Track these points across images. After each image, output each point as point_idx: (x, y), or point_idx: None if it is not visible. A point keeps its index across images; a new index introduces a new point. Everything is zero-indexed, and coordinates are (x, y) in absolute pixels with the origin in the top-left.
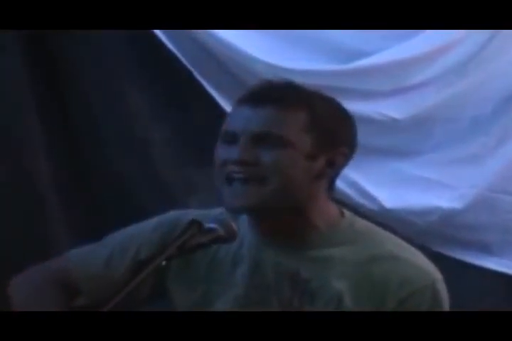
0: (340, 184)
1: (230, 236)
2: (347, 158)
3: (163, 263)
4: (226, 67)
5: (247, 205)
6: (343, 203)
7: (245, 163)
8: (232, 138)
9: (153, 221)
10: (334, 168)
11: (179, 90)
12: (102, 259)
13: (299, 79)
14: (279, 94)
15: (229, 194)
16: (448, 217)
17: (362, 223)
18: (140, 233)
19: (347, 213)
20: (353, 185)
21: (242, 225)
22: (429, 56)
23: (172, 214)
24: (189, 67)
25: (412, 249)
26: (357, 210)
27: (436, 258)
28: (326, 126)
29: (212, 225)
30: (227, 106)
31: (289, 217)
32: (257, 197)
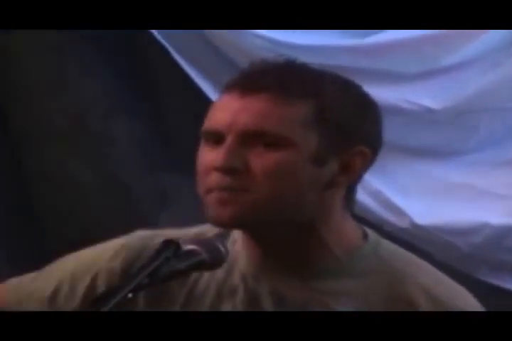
0: (359, 194)
1: (215, 262)
2: (367, 160)
3: (129, 295)
4: (211, 42)
5: (232, 217)
6: (363, 219)
7: (232, 169)
8: (216, 138)
9: (113, 243)
10: (350, 174)
11: (149, 74)
12: (45, 293)
13: (305, 58)
14: (276, 78)
15: (211, 202)
16: (498, 237)
17: (389, 248)
18: (96, 259)
19: (371, 234)
20: (376, 195)
21: (233, 247)
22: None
23: (138, 234)
24: (163, 43)
25: (451, 283)
26: (380, 228)
27: (484, 291)
28: (339, 119)
29: (192, 247)
30: (214, 95)
31: (295, 236)
32: (245, 207)
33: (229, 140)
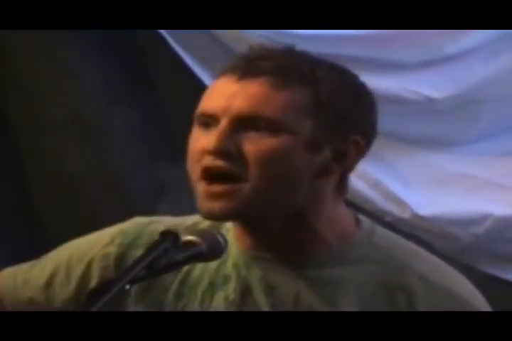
0: (360, 184)
1: (214, 253)
2: (361, 149)
3: (127, 287)
4: (213, 34)
5: (223, 209)
6: (364, 209)
7: (224, 153)
8: (210, 121)
9: (109, 230)
10: (343, 163)
11: (148, 64)
12: (41, 281)
13: (306, 47)
14: (274, 63)
15: (203, 194)
16: (500, 228)
17: (383, 234)
18: (91, 246)
19: (365, 221)
20: (377, 185)
21: (227, 235)
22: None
23: (135, 220)
24: (162, 33)
25: (449, 270)
26: (382, 219)
27: (484, 282)
28: (336, 107)
29: (191, 237)
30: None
31: (287, 226)
32: (237, 198)
33: (223, 123)
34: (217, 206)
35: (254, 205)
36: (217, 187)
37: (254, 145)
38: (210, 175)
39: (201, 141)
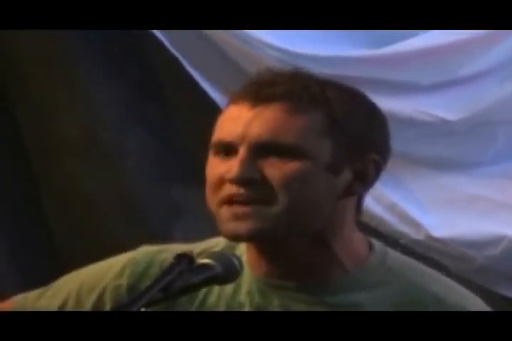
0: (374, 207)
1: (229, 276)
2: (379, 167)
3: (142, 310)
4: (224, 53)
5: (250, 230)
6: (379, 232)
7: (247, 181)
8: (228, 150)
9: (118, 259)
10: (364, 182)
11: (162, 85)
12: (51, 309)
13: (316, 69)
14: (284, 88)
15: (226, 216)
16: None
17: (396, 257)
18: (102, 276)
19: (377, 245)
20: (392, 207)
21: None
22: (488, 38)
23: (143, 250)
24: (175, 53)
25: (465, 292)
26: (396, 241)
27: (500, 303)
28: (351, 127)
29: (206, 260)
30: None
31: (306, 248)
32: (263, 220)
33: (242, 151)
34: (243, 226)
35: (280, 227)
36: (242, 209)
37: (276, 170)
38: (236, 202)
39: (220, 168)
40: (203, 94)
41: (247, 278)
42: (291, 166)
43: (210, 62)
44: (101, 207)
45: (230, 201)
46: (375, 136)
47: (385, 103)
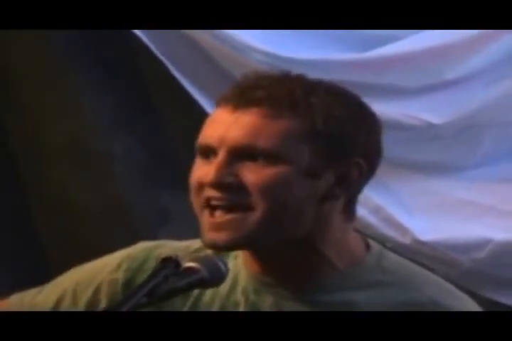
0: (360, 210)
1: (215, 280)
2: (363, 171)
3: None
4: (211, 59)
5: (228, 240)
6: (364, 235)
7: (223, 185)
8: (208, 153)
9: (115, 256)
10: (346, 186)
11: (150, 91)
12: (48, 306)
13: (302, 72)
14: (266, 93)
15: (207, 225)
16: (502, 253)
17: (393, 258)
18: (98, 272)
19: (374, 245)
20: (378, 211)
21: (234, 261)
22: (474, 42)
23: (141, 245)
24: (162, 59)
25: (460, 295)
26: (383, 245)
27: (486, 307)
28: (331, 133)
29: (191, 264)
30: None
31: (294, 251)
32: (241, 229)
33: (220, 155)
34: (221, 237)
35: (258, 234)
36: (220, 218)
37: (253, 175)
38: (213, 206)
39: (201, 171)
40: (192, 100)
41: (244, 276)
42: (269, 171)
43: (198, 68)
44: (89, 214)
45: (208, 205)
46: (360, 140)
47: (371, 106)
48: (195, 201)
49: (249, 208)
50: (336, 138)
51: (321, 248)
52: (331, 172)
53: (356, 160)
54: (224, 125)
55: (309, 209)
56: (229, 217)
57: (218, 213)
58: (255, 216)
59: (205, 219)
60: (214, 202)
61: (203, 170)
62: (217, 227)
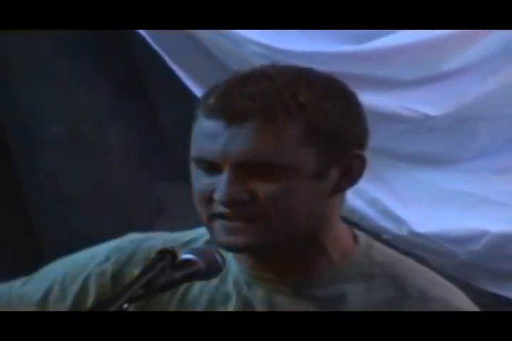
0: (357, 202)
1: (212, 272)
2: (364, 161)
3: (125, 306)
4: (207, 50)
5: (246, 244)
6: (361, 227)
7: (236, 203)
8: (210, 167)
9: (104, 247)
10: (351, 178)
11: (146, 83)
12: (36, 296)
13: (298, 64)
14: (258, 103)
15: (219, 230)
16: (498, 245)
17: (381, 249)
18: (87, 262)
19: (362, 237)
20: (374, 203)
21: (226, 253)
22: (470, 34)
23: (130, 237)
24: (158, 49)
25: (448, 286)
26: (379, 236)
27: (482, 298)
28: (329, 129)
29: (188, 256)
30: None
31: (297, 247)
32: (254, 234)
33: (227, 172)
34: (238, 241)
35: (272, 238)
36: (233, 225)
37: (263, 187)
38: (227, 219)
39: (207, 186)
40: (187, 91)
41: (234, 269)
42: (279, 182)
43: (194, 59)
44: (84, 204)
45: (220, 216)
46: (354, 131)
47: (368, 98)
48: (202, 211)
49: (262, 217)
50: (334, 133)
51: (323, 241)
52: (336, 168)
53: (356, 151)
54: (221, 140)
55: (318, 207)
56: (241, 224)
57: (230, 223)
58: (267, 223)
59: (217, 225)
60: (227, 218)
61: (208, 185)
62: (230, 232)
